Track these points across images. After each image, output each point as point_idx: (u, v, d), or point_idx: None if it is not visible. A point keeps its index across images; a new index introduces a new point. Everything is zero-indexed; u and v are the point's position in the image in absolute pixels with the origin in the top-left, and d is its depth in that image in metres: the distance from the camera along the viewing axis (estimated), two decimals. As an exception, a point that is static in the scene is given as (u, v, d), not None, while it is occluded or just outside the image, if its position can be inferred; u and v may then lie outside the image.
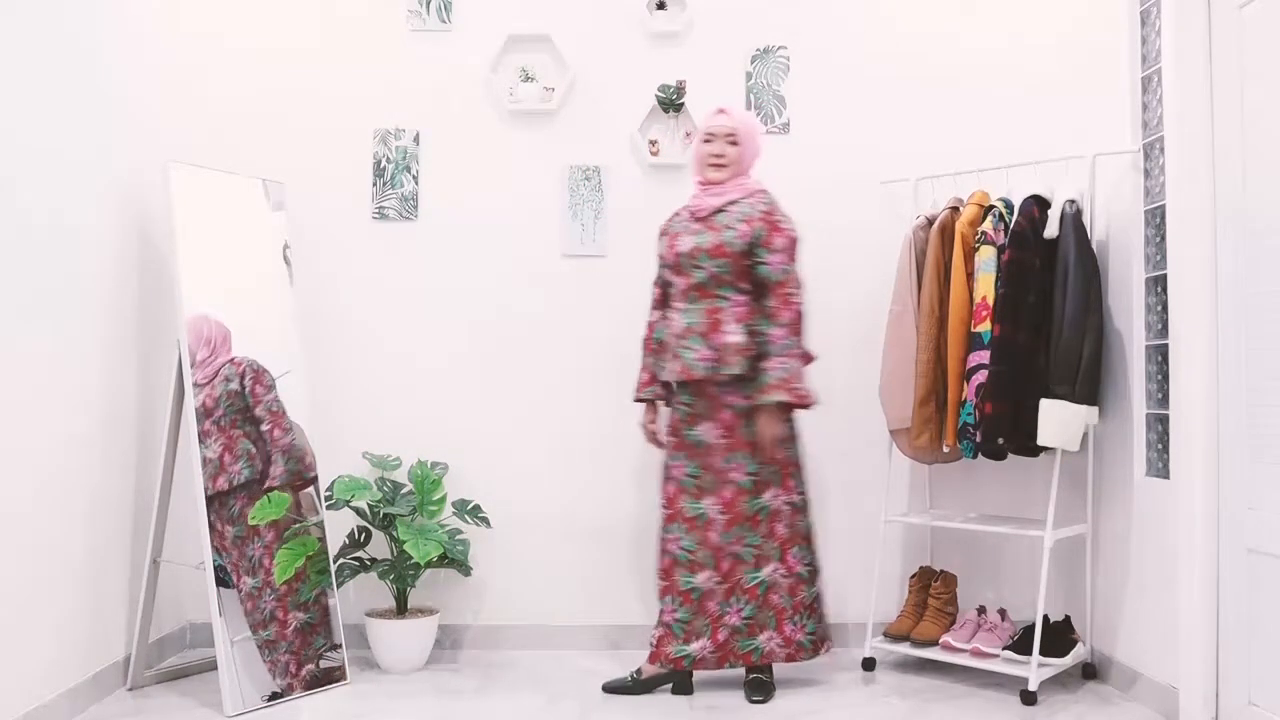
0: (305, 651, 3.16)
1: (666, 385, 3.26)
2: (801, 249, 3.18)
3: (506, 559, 3.69)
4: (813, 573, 3.19)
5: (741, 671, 3.19)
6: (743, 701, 3.09)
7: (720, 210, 3.14)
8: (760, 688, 3.11)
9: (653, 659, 3.16)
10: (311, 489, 3.30)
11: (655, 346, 3.28)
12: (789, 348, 3.05)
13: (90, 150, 3.05)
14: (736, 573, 3.11)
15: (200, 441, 3.07)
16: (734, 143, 3.17)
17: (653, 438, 3.32)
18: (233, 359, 3.20)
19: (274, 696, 3.05)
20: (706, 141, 3.19)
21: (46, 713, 2.71)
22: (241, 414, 3.18)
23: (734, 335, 3.06)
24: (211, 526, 3.05)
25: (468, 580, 3.64)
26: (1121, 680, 3.19)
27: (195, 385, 3.09)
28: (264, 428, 3.22)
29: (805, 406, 3.10)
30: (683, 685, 3.16)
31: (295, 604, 3.16)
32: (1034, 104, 3.69)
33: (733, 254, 3.08)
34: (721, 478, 3.11)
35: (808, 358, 3.16)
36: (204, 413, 3.10)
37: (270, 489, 3.19)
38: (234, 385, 3.17)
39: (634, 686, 3.15)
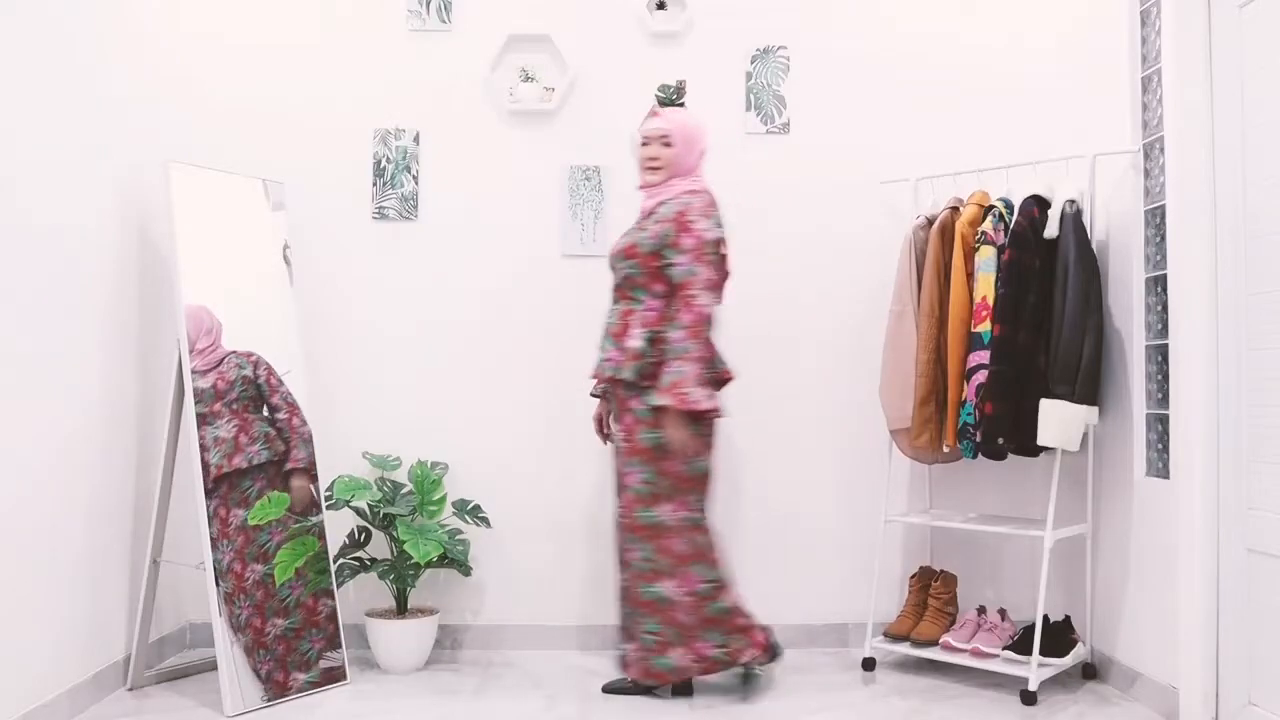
0: (291, 657, 3.13)
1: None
2: (727, 248, 3.08)
3: (506, 559, 3.69)
4: (718, 588, 3.05)
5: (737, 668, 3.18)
6: (743, 702, 3.09)
7: (651, 213, 3.12)
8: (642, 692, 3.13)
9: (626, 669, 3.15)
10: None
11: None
12: (683, 352, 2.92)
13: (90, 150, 3.05)
14: (635, 585, 3.04)
15: (209, 422, 3.07)
16: (668, 144, 3.11)
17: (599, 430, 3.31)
18: (241, 350, 3.20)
19: (274, 696, 3.05)
20: (643, 145, 3.16)
21: (46, 713, 2.71)
22: (254, 401, 3.19)
23: (634, 340, 3.00)
24: (214, 513, 3.03)
25: (468, 580, 3.64)
26: (1121, 680, 3.20)
27: (197, 371, 3.08)
28: (280, 415, 3.24)
29: (693, 413, 2.93)
30: (682, 687, 3.15)
31: (274, 610, 3.12)
32: (1034, 104, 3.70)
33: (642, 255, 3.03)
34: (621, 482, 3.07)
35: (705, 362, 2.97)
36: (215, 394, 3.10)
37: (293, 469, 3.21)
38: (247, 372, 3.18)
39: (634, 687, 3.15)
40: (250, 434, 3.15)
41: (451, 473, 3.63)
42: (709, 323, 3.00)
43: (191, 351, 3.09)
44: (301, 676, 3.14)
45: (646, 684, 3.10)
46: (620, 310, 3.11)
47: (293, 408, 3.28)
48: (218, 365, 3.14)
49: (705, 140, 3.19)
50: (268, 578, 3.12)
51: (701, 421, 3.02)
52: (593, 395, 3.33)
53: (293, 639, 3.15)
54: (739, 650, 3.08)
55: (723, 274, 3.09)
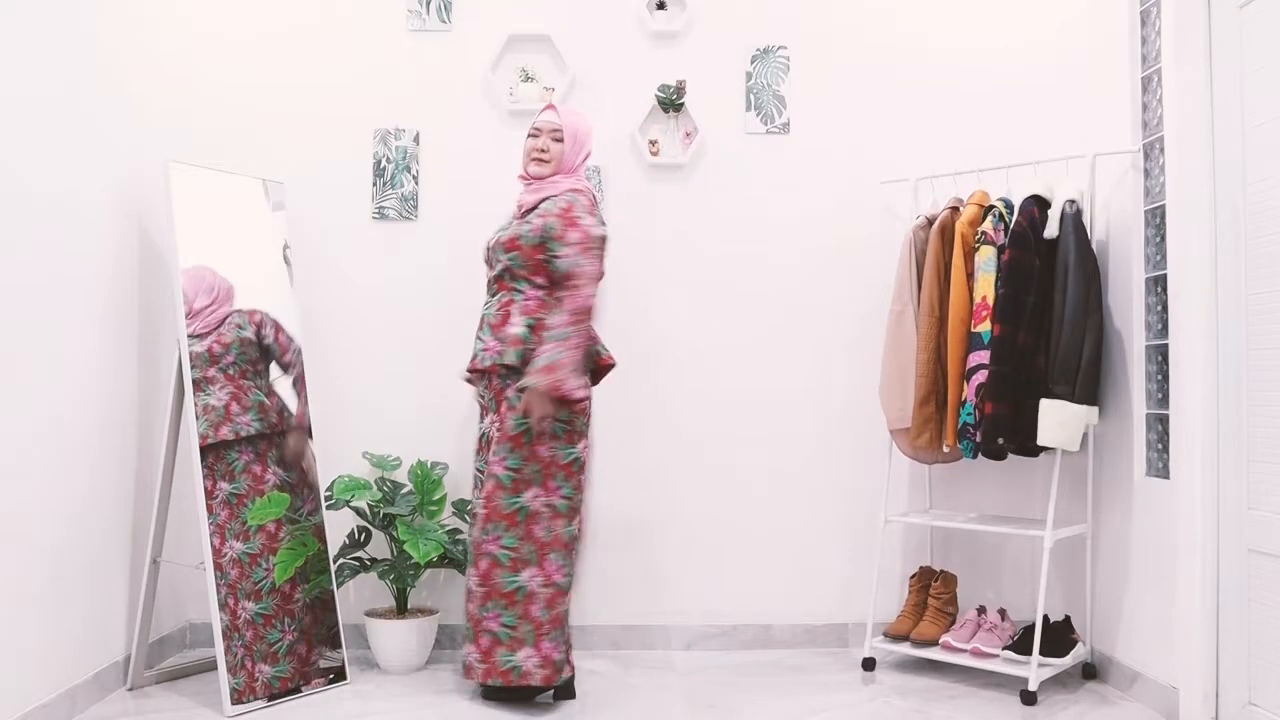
0: (257, 646, 3.04)
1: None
2: (608, 247, 3.07)
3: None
4: (569, 585, 3.01)
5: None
6: (743, 700, 3.09)
7: (535, 207, 3.09)
8: (496, 696, 3.04)
9: (485, 675, 2.97)
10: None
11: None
12: (563, 337, 2.90)
13: (91, 150, 3.05)
14: (494, 575, 2.95)
15: (202, 389, 3.05)
16: (558, 139, 3.12)
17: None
18: (242, 309, 3.18)
19: (274, 696, 3.05)
20: (532, 136, 3.15)
21: (46, 713, 2.71)
22: (253, 365, 3.14)
23: (515, 327, 2.99)
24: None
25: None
26: (1121, 680, 3.20)
27: (194, 336, 3.05)
28: (294, 373, 3.21)
29: (560, 396, 2.90)
30: (565, 690, 3.05)
31: (245, 592, 3.03)
32: (1034, 104, 3.70)
33: (525, 248, 3.01)
34: (487, 470, 3.00)
35: (584, 351, 2.97)
36: (209, 359, 3.07)
37: (286, 431, 3.20)
38: (247, 334, 3.13)
39: (508, 692, 3.01)
40: (243, 403, 3.10)
41: (451, 473, 3.63)
42: (590, 313, 2.99)
43: (189, 315, 3.05)
44: (267, 670, 3.04)
45: (510, 687, 2.97)
46: (500, 301, 3.08)
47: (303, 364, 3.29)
48: (217, 328, 3.09)
49: (592, 143, 3.22)
50: (245, 557, 3.06)
51: (575, 410, 2.98)
52: (466, 381, 3.25)
53: (261, 626, 3.05)
54: (569, 665, 3.04)
55: (601, 272, 3.05)
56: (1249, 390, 2.67)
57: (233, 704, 2.93)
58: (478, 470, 3.15)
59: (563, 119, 3.14)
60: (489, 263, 3.17)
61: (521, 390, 2.92)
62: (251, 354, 3.15)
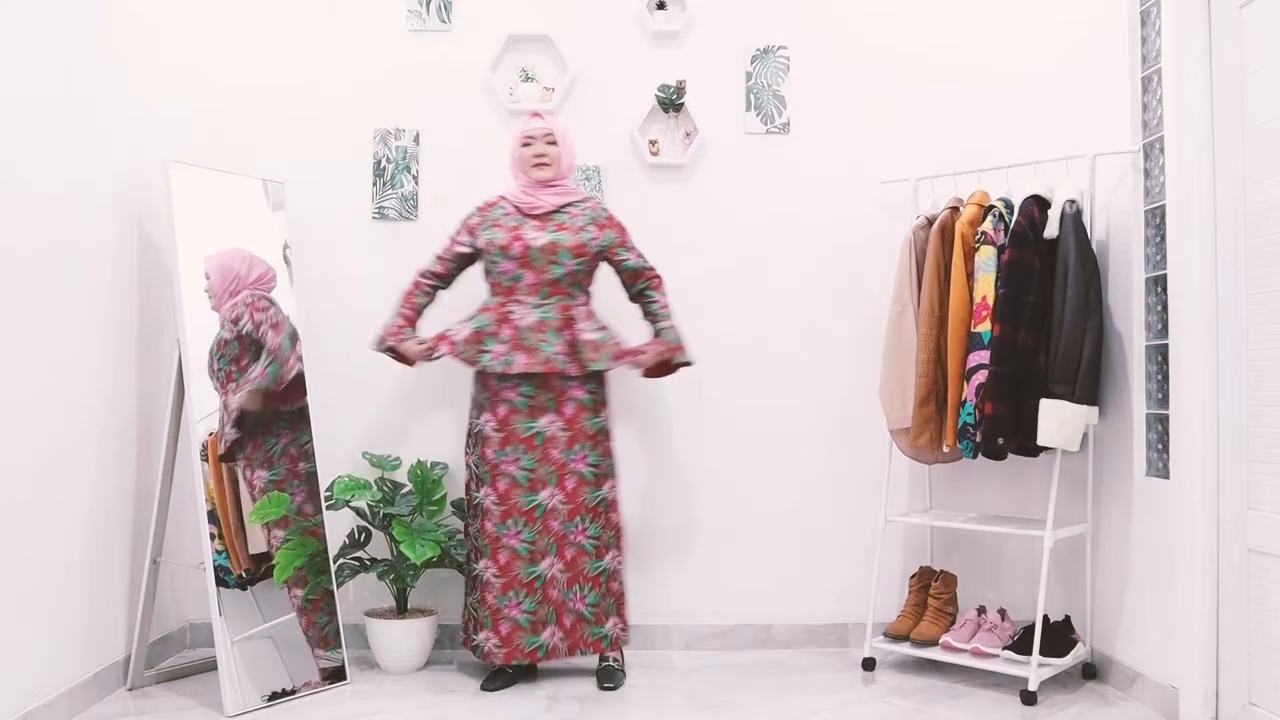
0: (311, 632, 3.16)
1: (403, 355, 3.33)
2: None
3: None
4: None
5: (591, 660, 3.34)
6: (743, 700, 3.09)
7: (559, 210, 3.26)
8: (611, 676, 3.24)
9: (508, 657, 3.19)
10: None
11: (411, 313, 3.35)
12: (671, 316, 3.35)
13: (91, 150, 3.05)
14: (580, 562, 3.22)
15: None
16: (552, 142, 3.29)
17: (425, 354, 3.30)
18: (240, 299, 3.21)
19: (274, 696, 3.05)
20: (526, 144, 3.30)
21: (46, 713, 2.71)
22: (235, 361, 3.17)
23: (590, 333, 3.22)
24: (242, 475, 3.09)
25: (468, 580, 3.64)
26: (1121, 680, 3.20)
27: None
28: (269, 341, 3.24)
29: (688, 364, 3.36)
30: (529, 673, 3.31)
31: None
32: (1034, 104, 3.69)
33: (589, 254, 3.26)
34: (562, 470, 3.21)
35: None
36: (210, 368, 3.13)
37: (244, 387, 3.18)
38: (225, 333, 3.16)
39: (509, 678, 3.24)
40: (228, 408, 3.14)
41: (451, 473, 3.63)
42: None
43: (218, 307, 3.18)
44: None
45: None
46: (559, 305, 3.23)
47: (277, 325, 3.27)
48: (224, 323, 3.16)
49: (575, 147, 3.42)
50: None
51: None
52: (387, 349, 3.33)
53: (312, 613, 3.12)
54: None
55: None
56: (1249, 390, 2.67)
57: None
58: (525, 468, 3.20)
59: (551, 124, 3.32)
60: (528, 265, 3.21)
61: (595, 394, 3.27)
62: (233, 351, 3.16)
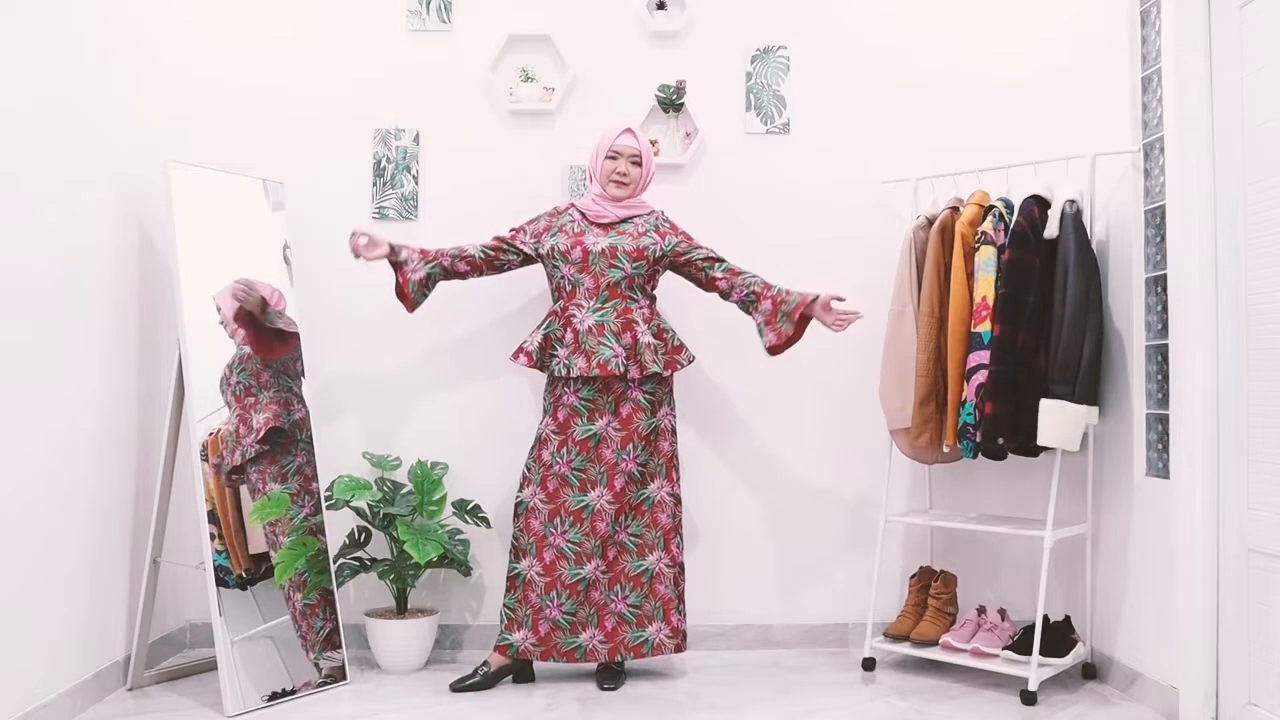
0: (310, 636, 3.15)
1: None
2: None
3: (506, 559, 3.68)
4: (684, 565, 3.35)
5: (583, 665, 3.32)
6: (743, 700, 3.09)
7: (624, 220, 3.31)
8: (611, 676, 3.24)
9: (544, 655, 3.23)
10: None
11: (436, 254, 3.30)
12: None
13: (91, 150, 3.05)
14: (621, 562, 3.24)
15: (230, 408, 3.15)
16: (637, 163, 3.33)
17: (386, 250, 3.26)
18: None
19: (274, 696, 3.05)
20: (611, 158, 3.31)
21: (46, 713, 2.71)
22: (256, 376, 3.20)
23: (647, 335, 3.22)
24: (255, 485, 3.06)
25: (468, 580, 3.64)
26: (1121, 680, 3.20)
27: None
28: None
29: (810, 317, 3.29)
30: (524, 674, 3.28)
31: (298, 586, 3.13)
32: (1034, 104, 3.70)
33: (649, 259, 3.27)
34: (612, 470, 3.22)
35: None
36: (224, 384, 3.15)
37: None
38: (246, 349, 3.20)
39: (482, 681, 3.20)
40: (249, 424, 3.16)
41: (451, 473, 3.63)
42: None
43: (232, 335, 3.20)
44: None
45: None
46: (617, 309, 3.22)
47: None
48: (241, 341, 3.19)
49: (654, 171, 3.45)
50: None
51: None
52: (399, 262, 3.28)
53: (310, 617, 3.12)
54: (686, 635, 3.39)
55: None
56: (1249, 390, 2.67)
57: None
58: (576, 469, 3.22)
59: (642, 145, 3.34)
60: (587, 269, 3.24)
61: (656, 387, 3.27)
62: (251, 366, 3.18)
